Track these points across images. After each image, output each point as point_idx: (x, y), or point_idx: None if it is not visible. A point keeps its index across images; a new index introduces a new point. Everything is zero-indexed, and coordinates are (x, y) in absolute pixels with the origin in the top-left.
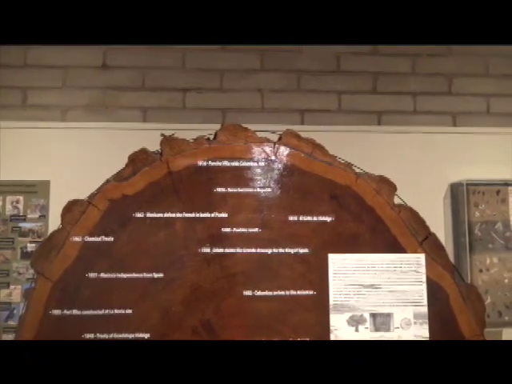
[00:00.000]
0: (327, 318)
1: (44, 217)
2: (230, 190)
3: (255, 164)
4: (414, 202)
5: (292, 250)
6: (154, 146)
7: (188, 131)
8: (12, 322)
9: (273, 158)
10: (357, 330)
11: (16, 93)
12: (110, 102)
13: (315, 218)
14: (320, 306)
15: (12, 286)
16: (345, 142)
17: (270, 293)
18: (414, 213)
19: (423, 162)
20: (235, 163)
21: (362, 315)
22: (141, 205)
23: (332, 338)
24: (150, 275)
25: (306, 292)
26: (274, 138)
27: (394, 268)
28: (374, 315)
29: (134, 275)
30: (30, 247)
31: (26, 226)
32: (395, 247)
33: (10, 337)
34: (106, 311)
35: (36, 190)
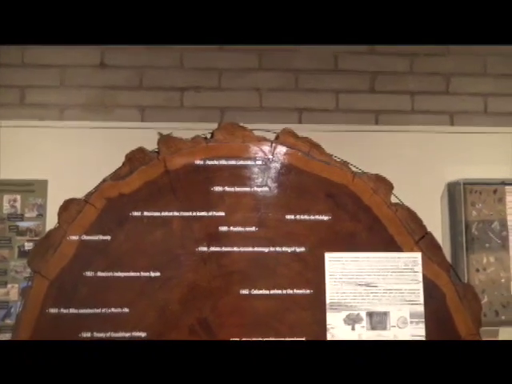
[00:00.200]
0: (324, 317)
1: (41, 216)
2: (227, 188)
3: (252, 163)
4: (412, 201)
5: (289, 249)
6: (151, 144)
7: (186, 130)
8: (9, 321)
9: (270, 156)
10: (353, 329)
11: (14, 92)
12: (108, 101)
13: (312, 217)
14: (317, 304)
15: (9, 285)
16: (342, 141)
17: (267, 291)
18: (411, 212)
19: (421, 161)
20: (232, 162)
21: (358, 314)
22: (138, 204)
23: (328, 336)
24: (146, 274)
25: (303, 291)
26: (272, 136)
27: (391, 267)
28: (370, 314)
29: (131, 274)
30: (28, 246)
31: (23, 224)
32: (392, 246)
33: (7, 336)
34: (103, 310)
35: (33, 188)
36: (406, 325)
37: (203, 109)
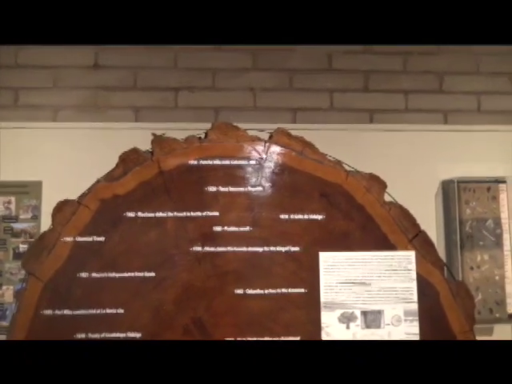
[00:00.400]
0: (318, 316)
1: (36, 217)
2: (221, 188)
3: (246, 163)
4: (406, 199)
5: (283, 248)
6: (146, 145)
7: (180, 130)
8: (4, 323)
9: (264, 156)
10: (348, 327)
11: (8, 93)
12: (102, 102)
13: (306, 216)
14: (311, 303)
15: (4, 287)
16: (337, 140)
17: (262, 291)
18: (404, 210)
19: (415, 159)
20: (226, 162)
21: (352, 312)
22: (132, 204)
23: (323, 335)
24: (141, 274)
25: (298, 290)
26: (265, 136)
27: (385, 265)
28: (364, 312)
29: (126, 275)
30: (23, 248)
31: (18, 226)
32: (385, 245)
33: (2, 337)
34: (98, 311)
35: (28, 190)
36: (400, 323)
37: (197, 109)
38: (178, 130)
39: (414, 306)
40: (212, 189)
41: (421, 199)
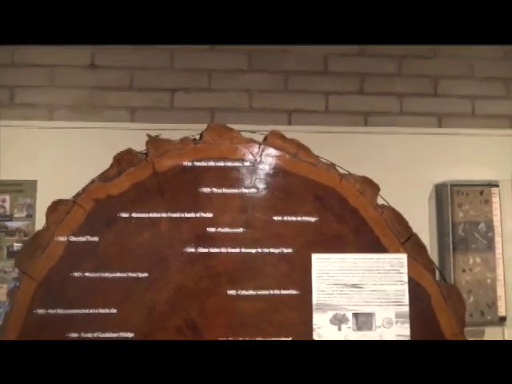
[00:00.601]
0: (310, 317)
1: (31, 216)
2: (215, 190)
3: (240, 164)
4: (400, 202)
5: (276, 250)
6: (141, 146)
7: (176, 131)
8: None
9: (258, 158)
10: (339, 329)
11: (3, 92)
12: (98, 102)
13: (299, 219)
14: (303, 305)
15: None
16: (332, 142)
17: (254, 292)
18: (397, 213)
19: (409, 162)
20: (220, 163)
21: (344, 314)
22: (126, 205)
23: (315, 336)
24: (134, 275)
25: (290, 291)
26: (260, 138)
27: (377, 268)
28: (356, 314)
29: (119, 275)
30: (17, 246)
31: (12, 225)
32: (378, 247)
33: None
34: (91, 310)
35: (23, 189)
36: (392, 325)
37: (193, 110)
38: (173, 131)
39: (406, 309)
40: (206, 190)
41: (414, 202)
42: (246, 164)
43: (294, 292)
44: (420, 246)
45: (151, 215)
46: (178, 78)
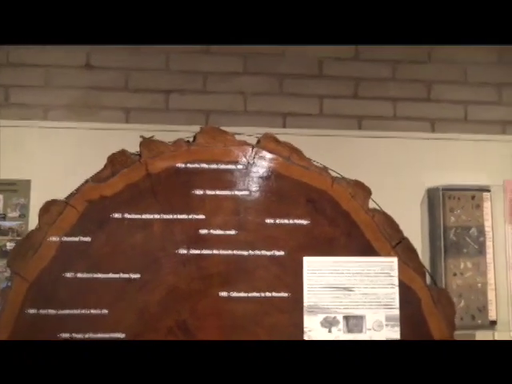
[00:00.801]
0: (301, 320)
1: (24, 216)
2: (208, 192)
3: (233, 167)
4: (393, 206)
5: (268, 253)
6: (136, 147)
7: (171, 133)
8: None
9: (251, 161)
10: (330, 332)
11: None
12: (93, 103)
13: (291, 221)
14: (294, 307)
15: None
16: (326, 145)
17: (246, 294)
18: (388, 217)
19: (402, 166)
20: (213, 166)
21: (335, 317)
22: (119, 206)
23: (305, 339)
24: (126, 276)
25: (281, 294)
26: (253, 141)
27: (368, 271)
28: (346, 317)
29: (111, 276)
30: (10, 246)
31: (5, 224)
32: (369, 251)
33: None
34: (82, 311)
35: (16, 188)
36: (382, 328)
37: (188, 111)
38: (168, 132)
39: (396, 312)
40: (199, 192)
41: (407, 206)
42: (239, 167)
43: (285, 294)
44: (411, 250)
45: (144, 216)
46: (174, 79)
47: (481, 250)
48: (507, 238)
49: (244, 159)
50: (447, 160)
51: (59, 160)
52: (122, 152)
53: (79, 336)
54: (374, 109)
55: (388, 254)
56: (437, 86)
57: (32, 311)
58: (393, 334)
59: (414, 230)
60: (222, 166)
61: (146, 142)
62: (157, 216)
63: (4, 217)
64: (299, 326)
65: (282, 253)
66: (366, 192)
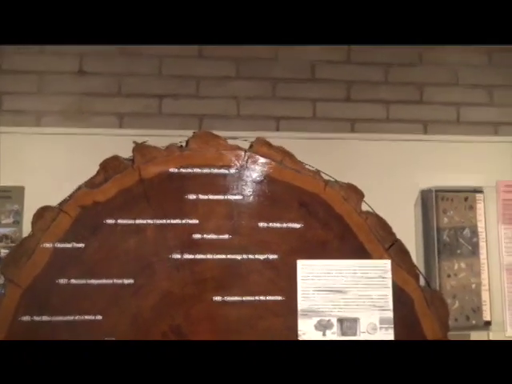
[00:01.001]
0: (295, 323)
1: (18, 222)
2: (200, 196)
3: (226, 171)
4: (386, 208)
5: (261, 256)
6: (130, 152)
7: (164, 137)
8: None
9: (243, 165)
10: (324, 335)
11: None
12: (86, 108)
13: (284, 225)
14: (288, 311)
15: None
16: (319, 148)
17: (240, 298)
18: (381, 220)
19: (395, 168)
20: (206, 170)
21: (329, 320)
22: (112, 211)
23: None
24: (120, 281)
25: (275, 297)
26: (246, 145)
27: (361, 274)
28: (340, 320)
29: (105, 281)
30: (4, 253)
31: None
32: (362, 253)
33: None
34: (76, 317)
35: (10, 195)
36: (376, 331)
37: (181, 116)
38: (161, 137)
39: (390, 314)
40: (192, 197)
41: (400, 208)
42: (232, 171)
43: (279, 298)
44: (404, 252)
45: (137, 222)
46: (167, 84)
47: (474, 251)
48: (500, 239)
49: (237, 163)
50: (440, 161)
51: (53, 166)
52: (115, 157)
53: None
54: (366, 111)
55: (381, 257)
56: (429, 88)
57: (26, 318)
58: (387, 336)
59: (408, 232)
60: (215, 171)
61: (139, 148)
62: (150, 221)
63: None
64: (293, 330)
65: (275, 256)
66: (358, 195)
